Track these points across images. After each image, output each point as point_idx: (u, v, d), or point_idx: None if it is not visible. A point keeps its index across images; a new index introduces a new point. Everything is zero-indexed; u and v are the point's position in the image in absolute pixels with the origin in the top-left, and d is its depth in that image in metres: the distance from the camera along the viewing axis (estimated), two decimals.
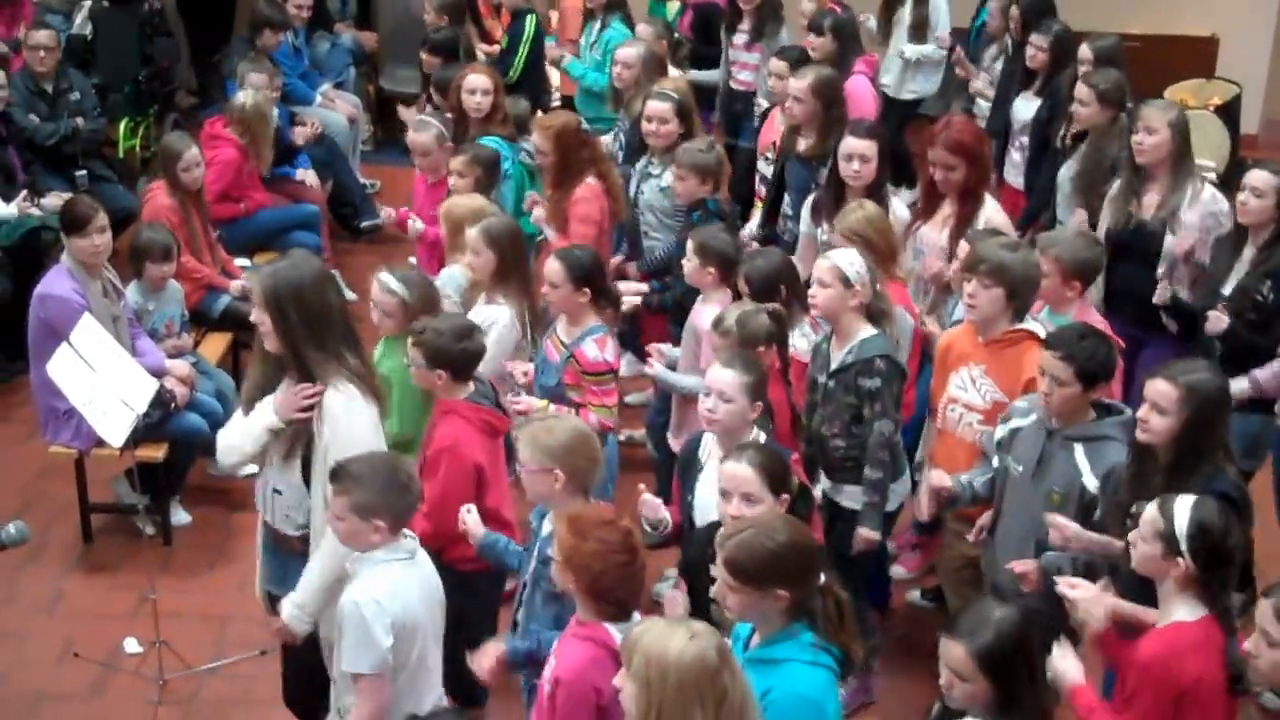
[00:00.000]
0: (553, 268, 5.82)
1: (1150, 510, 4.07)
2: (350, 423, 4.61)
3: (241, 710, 5.82)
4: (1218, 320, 6.02)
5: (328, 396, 4.61)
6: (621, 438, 7.07)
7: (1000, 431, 5.10)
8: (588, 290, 5.80)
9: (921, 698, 5.86)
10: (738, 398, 4.78)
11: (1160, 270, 6.44)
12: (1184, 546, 3.98)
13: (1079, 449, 4.82)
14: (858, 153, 6.53)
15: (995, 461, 5.13)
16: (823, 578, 3.92)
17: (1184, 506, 4.03)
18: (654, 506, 4.95)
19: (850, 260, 5.41)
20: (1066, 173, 7.25)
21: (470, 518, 4.90)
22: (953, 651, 3.77)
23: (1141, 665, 4.02)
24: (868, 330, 5.43)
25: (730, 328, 5.30)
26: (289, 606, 4.67)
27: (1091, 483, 4.79)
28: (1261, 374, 5.95)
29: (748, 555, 3.80)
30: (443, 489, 5.05)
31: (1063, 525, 4.69)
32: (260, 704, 5.75)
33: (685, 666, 3.34)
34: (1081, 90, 7.13)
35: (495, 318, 6.05)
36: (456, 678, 4.76)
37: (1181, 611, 4.06)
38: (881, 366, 5.36)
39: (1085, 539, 4.69)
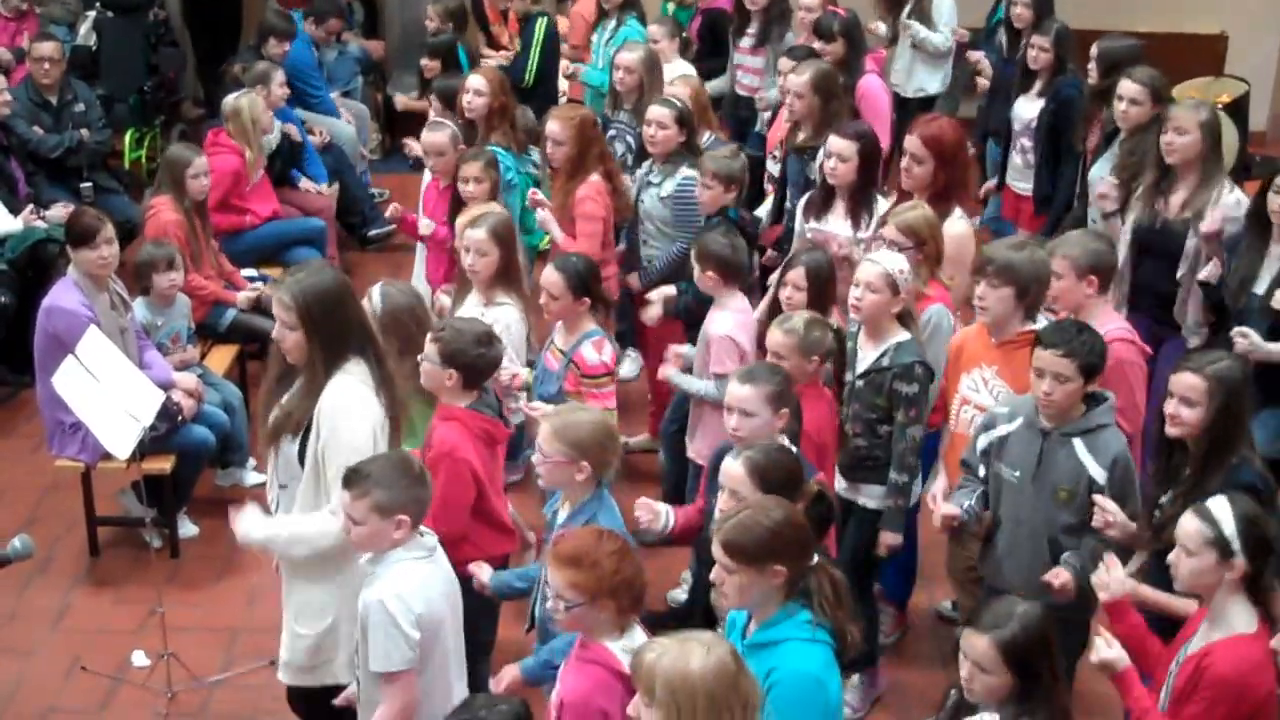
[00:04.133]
0: (551, 279, 5.85)
1: (1188, 523, 4.06)
2: (348, 424, 4.61)
3: None
4: (1242, 339, 5.95)
5: (328, 394, 4.62)
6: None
7: (983, 441, 5.08)
8: (587, 299, 5.86)
9: (930, 690, 5.92)
10: (760, 410, 4.79)
11: (1181, 270, 6.46)
12: (1236, 546, 3.99)
13: (1078, 443, 4.81)
14: (835, 151, 6.59)
15: (980, 471, 5.11)
16: (816, 557, 3.97)
17: (1222, 508, 4.04)
18: (647, 506, 5.00)
19: (901, 266, 5.43)
20: (1099, 171, 7.19)
21: (482, 572, 4.93)
22: (975, 643, 3.83)
23: (1215, 683, 3.99)
24: (901, 333, 5.45)
25: (796, 328, 5.26)
26: (250, 523, 4.75)
27: (1099, 473, 4.78)
28: None
29: (743, 534, 3.87)
30: (443, 492, 4.98)
31: (1109, 509, 4.68)
32: (268, 714, 5.72)
33: (711, 681, 3.32)
34: (1133, 89, 6.95)
35: (508, 319, 6.07)
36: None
37: (1239, 621, 4.05)
38: (920, 373, 5.39)
39: (1126, 524, 4.69)
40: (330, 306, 4.63)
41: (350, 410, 4.62)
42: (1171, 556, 4.11)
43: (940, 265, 5.91)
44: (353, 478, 4.25)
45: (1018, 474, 4.94)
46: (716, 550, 3.91)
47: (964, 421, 5.44)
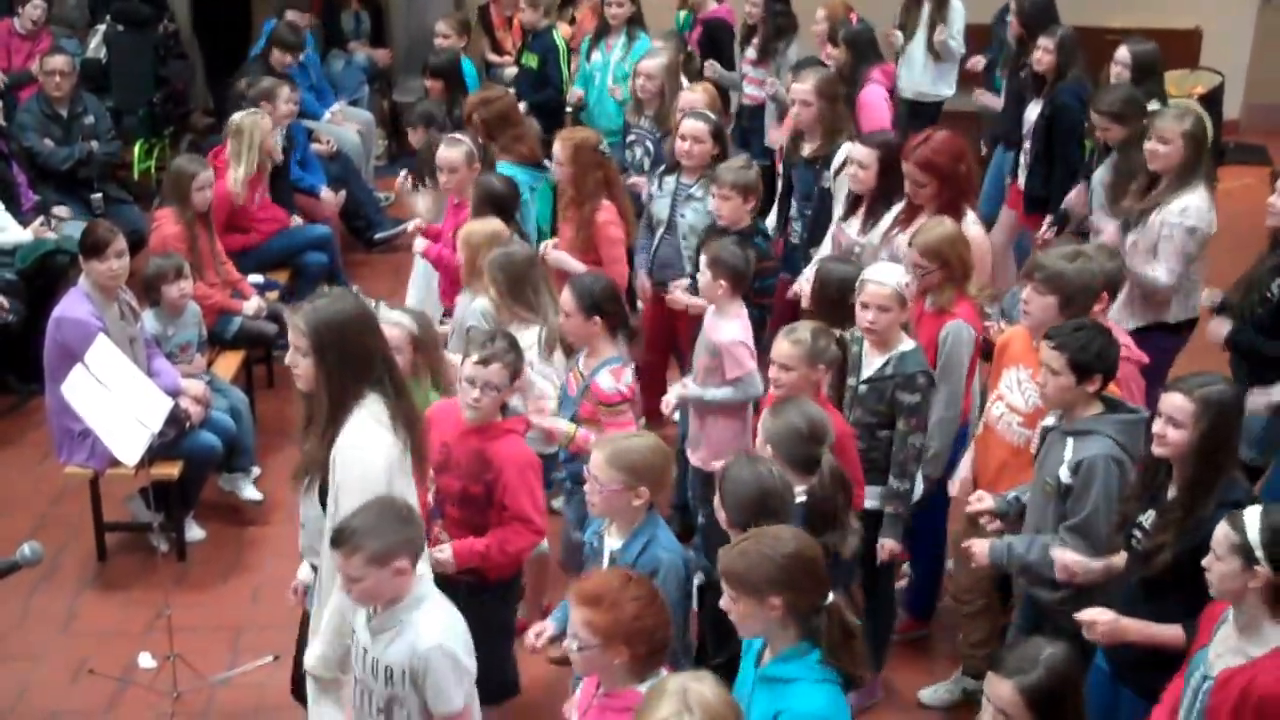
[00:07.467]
0: (565, 295, 5.83)
1: (1221, 528, 4.03)
2: (360, 467, 4.41)
3: (255, 717, 5.88)
4: (1217, 327, 6.09)
5: (344, 435, 4.46)
6: None
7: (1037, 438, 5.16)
8: (598, 319, 5.75)
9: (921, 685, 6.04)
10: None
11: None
12: (1261, 554, 3.94)
13: (1070, 441, 4.86)
14: (856, 159, 6.68)
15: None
16: (830, 598, 3.87)
17: (1254, 516, 4.00)
18: None
19: (902, 278, 5.50)
20: (1100, 177, 7.27)
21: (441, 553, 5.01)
22: (1000, 690, 3.68)
23: (1260, 700, 3.88)
24: (906, 342, 5.51)
25: (803, 338, 5.28)
26: (313, 659, 4.59)
27: (1064, 473, 4.81)
28: None
29: (743, 563, 3.83)
30: (536, 498, 5.15)
31: (1071, 563, 4.73)
32: (273, 709, 5.81)
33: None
34: (1095, 119, 7.14)
35: (527, 342, 6.05)
36: (487, 679, 4.78)
37: (1275, 636, 3.99)
38: (923, 383, 5.48)
39: (1092, 569, 4.73)
40: (346, 335, 4.46)
41: (363, 451, 4.42)
42: (1205, 560, 4.07)
43: (969, 280, 5.89)
44: (339, 537, 4.10)
45: (1037, 468, 5.04)
46: (721, 580, 3.89)
47: (993, 415, 5.49)
